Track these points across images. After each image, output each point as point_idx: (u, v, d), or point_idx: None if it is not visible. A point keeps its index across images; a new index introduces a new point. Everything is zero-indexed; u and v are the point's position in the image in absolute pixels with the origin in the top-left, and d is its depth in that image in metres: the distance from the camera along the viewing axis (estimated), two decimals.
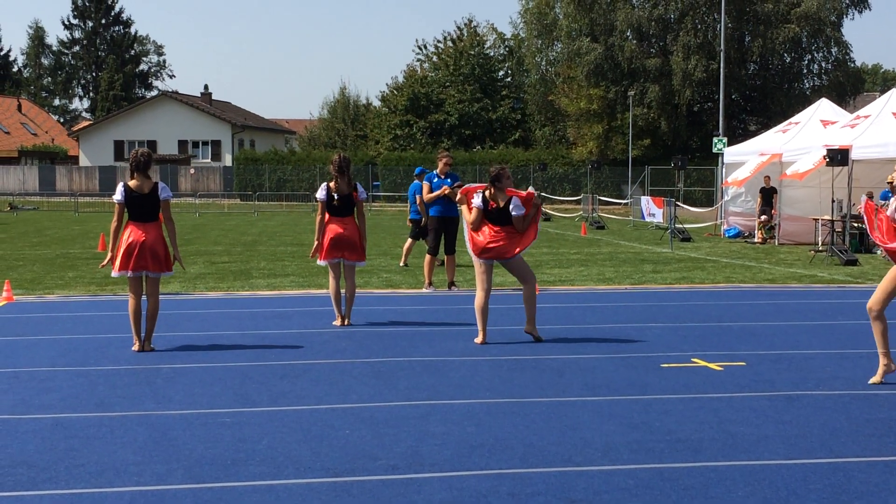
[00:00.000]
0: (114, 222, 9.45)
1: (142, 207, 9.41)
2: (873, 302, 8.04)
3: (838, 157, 20.33)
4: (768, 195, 25.65)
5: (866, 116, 23.17)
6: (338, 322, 11.08)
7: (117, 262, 9.40)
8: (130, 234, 9.37)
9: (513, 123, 63.27)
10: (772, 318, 11.89)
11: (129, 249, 9.32)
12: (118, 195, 9.43)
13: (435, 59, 66.57)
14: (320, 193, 10.94)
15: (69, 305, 12.91)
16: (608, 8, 52.80)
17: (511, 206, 9.88)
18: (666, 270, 17.75)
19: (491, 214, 9.92)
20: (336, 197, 10.88)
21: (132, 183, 9.43)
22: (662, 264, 19.01)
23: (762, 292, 14.68)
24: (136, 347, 9.46)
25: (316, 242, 10.99)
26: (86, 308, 12.65)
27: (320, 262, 11.05)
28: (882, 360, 8.09)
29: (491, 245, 9.86)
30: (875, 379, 8.07)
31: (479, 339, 9.91)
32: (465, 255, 20.33)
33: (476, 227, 9.97)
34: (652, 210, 32.25)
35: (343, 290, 11.05)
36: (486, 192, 10.00)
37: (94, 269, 17.62)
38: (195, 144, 70.32)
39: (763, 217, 25.42)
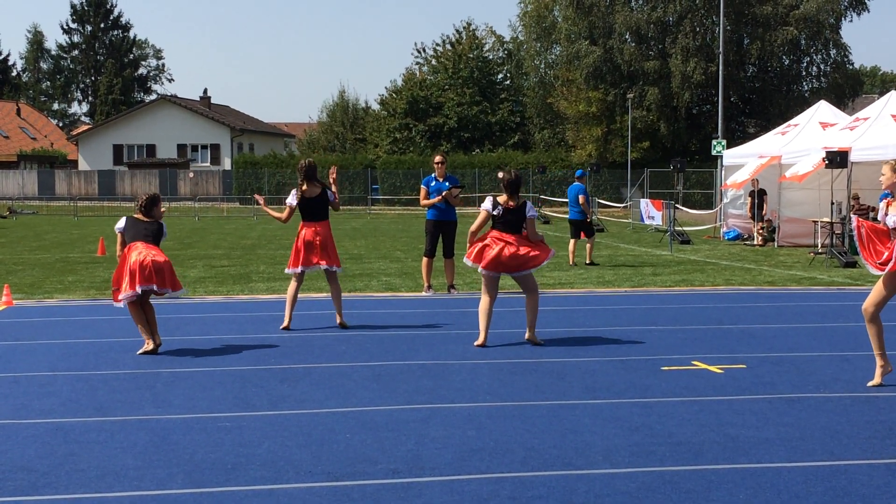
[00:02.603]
0: (118, 251, 9.83)
1: (145, 231, 9.77)
2: (868, 304, 8.03)
3: (837, 159, 20.33)
4: (758, 197, 25.70)
5: (865, 119, 23.19)
6: (286, 324, 11.02)
7: (124, 285, 9.51)
8: (134, 255, 9.52)
9: (512, 126, 63.31)
10: (772, 320, 11.88)
11: (133, 270, 9.44)
12: (120, 224, 9.92)
13: (434, 62, 66.61)
14: (291, 199, 11.07)
15: (69, 310, 12.90)
16: (607, 11, 52.85)
17: (527, 208, 9.84)
18: (665, 273, 17.75)
19: (504, 217, 9.79)
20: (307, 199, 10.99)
21: (136, 216, 9.91)
22: (662, 267, 19.00)
23: (762, 295, 14.67)
24: (149, 347, 9.50)
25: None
26: (85, 312, 12.64)
27: (288, 271, 11.16)
28: (879, 362, 8.10)
29: (504, 257, 9.71)
30: (874, 381, 8.06)
31: (479, 341, 9.88)
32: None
33: (479, 230, 9.90)
34: (651, 213, 32.28)
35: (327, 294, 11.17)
36: (500, 198, 9.91)
37: (93, 273, 17.61)
38: (194, 148, 70.37)
39: (768, 219, 25.44)
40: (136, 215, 9.91)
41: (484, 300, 9.92)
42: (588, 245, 19.31)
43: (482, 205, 9.99)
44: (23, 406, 7.39)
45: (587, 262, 19.13)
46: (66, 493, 5.37)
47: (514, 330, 10.76)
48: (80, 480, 5.56)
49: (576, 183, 19.56)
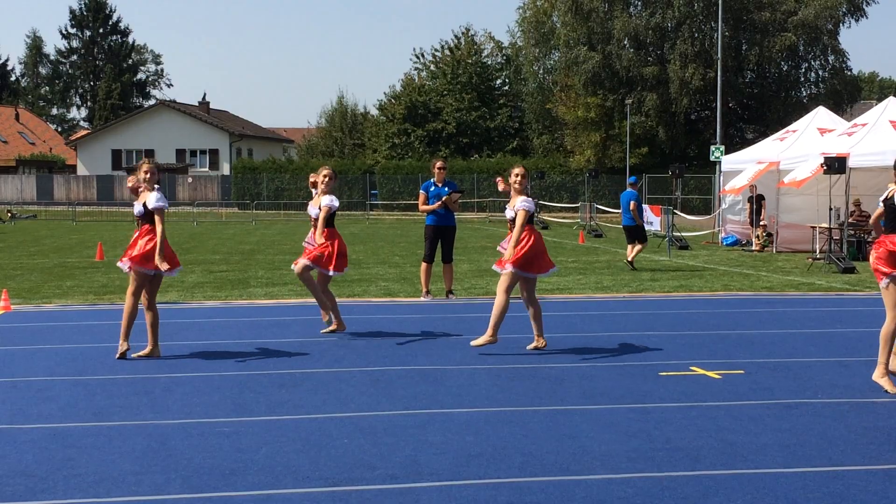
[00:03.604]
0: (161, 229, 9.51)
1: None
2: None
3: (836, 165, 20.35)
4: (756, 203, 25.74)
5: (863, 125, 23.22)
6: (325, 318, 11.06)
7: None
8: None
9: (510, 132, 63.37)
10: (770, 326, 11.89)
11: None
12: (165, 203, 9.57)
13: (433, 67, 66.69)
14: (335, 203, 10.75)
15: (67, 314, 12.90)
16: (605, 17, 52.89)
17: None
18: (664, 279, 17.76)
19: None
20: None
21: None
22: (660, 272, 19.01)
23: (760, 300, 14.68)
24: (123, 349, 9.52)
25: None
26: (84, 317, 12.64)
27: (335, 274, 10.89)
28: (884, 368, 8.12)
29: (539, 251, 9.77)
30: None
31: (489, 339, 9.68)
32: (464, 263, 20.36)
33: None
34: (650, 218, 32.25)
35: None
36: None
37: (91, 278, 17.60)
38: (193, 153, 70.38)
39: (763, 224, 25.49)
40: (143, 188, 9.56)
41: (507, 299, 9.66)
42: (638, 247, 19.75)
43: (527, 206, 9.63)
44: (20, 411, 7.38)
45: (628, 261, 19.61)
46: (64, 497, 5.37)
47: (511, 335, 10.75)
48: (78, 485, 5.56)
49: (629, 189, 20.22)
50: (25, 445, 6.40)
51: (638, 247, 19.72)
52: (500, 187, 10.46)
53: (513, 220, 9.82)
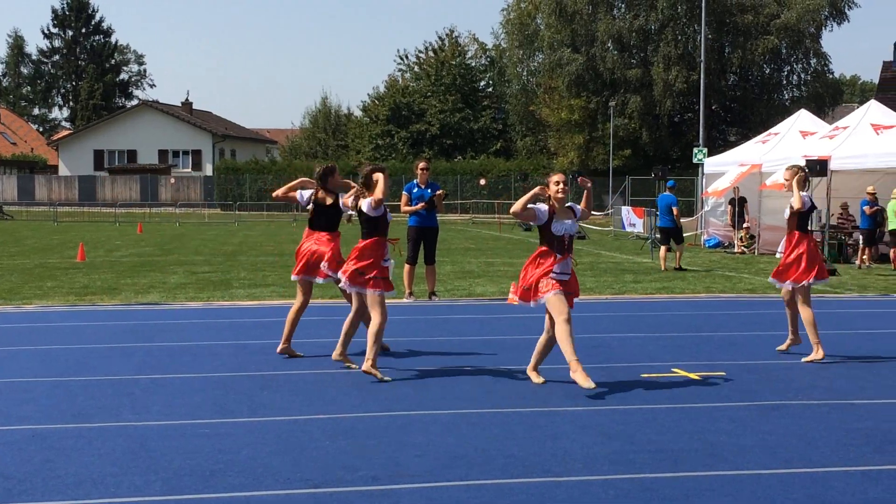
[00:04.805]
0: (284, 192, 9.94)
1: (322, 217, 9.55)
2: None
3: (817, 167, 20.43)
4: (739, 205, 25.86)
5: (845, 127, 23.35)
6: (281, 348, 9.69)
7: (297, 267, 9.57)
8: (305, 242, 9.56)
9: (494, 133, 63.46)
10: (751, 328, 11.93)
11: (301, 256, 9.52)
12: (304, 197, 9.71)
13: (416, 69, 66.72)
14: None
15: (48, 316, 12.81)
16: (589, 19, 53.03)
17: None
18: (646, 280, 17.79)
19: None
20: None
21: (319, 194, 9.59)
22: (643, 274, 19.05)
23: (742, 302, 14.74)
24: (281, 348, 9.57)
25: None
26: (64, 318, 12.56)
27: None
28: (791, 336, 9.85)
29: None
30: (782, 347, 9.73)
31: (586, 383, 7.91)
32: (447, 265, 20.32)
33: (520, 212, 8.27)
34: (632, 220, 32.40)
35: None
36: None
37: (72, 278, 17.50)
38: (175, 154, 70.18)
39: (746, 226, 25.59)
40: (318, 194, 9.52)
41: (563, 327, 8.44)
42: (678, 252, 20.27)
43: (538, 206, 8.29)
44: (0, 413, 7.33)
45: (675, 266, 19.88)
46: (43, 499, 5.33)
47: (499, 336, 10.75)
48: (57, 487, 5.53)
49: (667, 193, 21.11)
50: (4, 447, 6.36)
51: (678, 248, 20.19)
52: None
53: (572, 236, 8.42)
